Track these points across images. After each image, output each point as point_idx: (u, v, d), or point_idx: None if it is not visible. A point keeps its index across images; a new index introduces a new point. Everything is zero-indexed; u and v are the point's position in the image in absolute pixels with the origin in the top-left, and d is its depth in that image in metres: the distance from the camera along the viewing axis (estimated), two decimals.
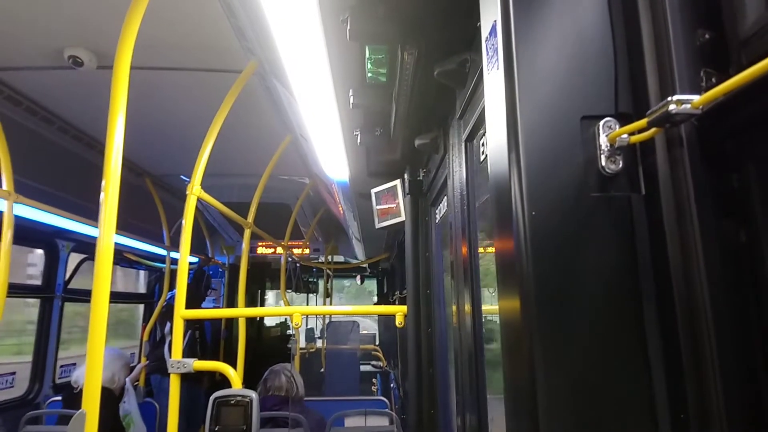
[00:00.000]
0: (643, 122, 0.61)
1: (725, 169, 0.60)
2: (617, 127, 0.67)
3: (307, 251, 6.89)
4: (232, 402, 2.15)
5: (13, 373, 4.24)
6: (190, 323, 5.76)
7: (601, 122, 0.68)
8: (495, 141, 0.75)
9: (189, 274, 5.79)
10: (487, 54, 0.79)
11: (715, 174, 0.60)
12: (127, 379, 4.37)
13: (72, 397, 3.72)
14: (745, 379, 0.56)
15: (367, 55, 1.64)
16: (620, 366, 0.63)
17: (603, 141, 0.67)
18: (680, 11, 0.65)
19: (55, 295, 4.49)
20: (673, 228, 0.61)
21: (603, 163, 0.67)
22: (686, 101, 0.55)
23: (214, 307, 6.90)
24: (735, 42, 0.60)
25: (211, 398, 2.18)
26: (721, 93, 0.53)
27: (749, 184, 0.58)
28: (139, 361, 5.33)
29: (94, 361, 1.62)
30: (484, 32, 0.81)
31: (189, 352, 5.68)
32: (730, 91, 0.52)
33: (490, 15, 0.78)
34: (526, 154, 0.66)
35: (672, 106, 0.55)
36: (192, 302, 4.63)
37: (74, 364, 4.80)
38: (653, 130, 0.61)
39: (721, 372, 0.55)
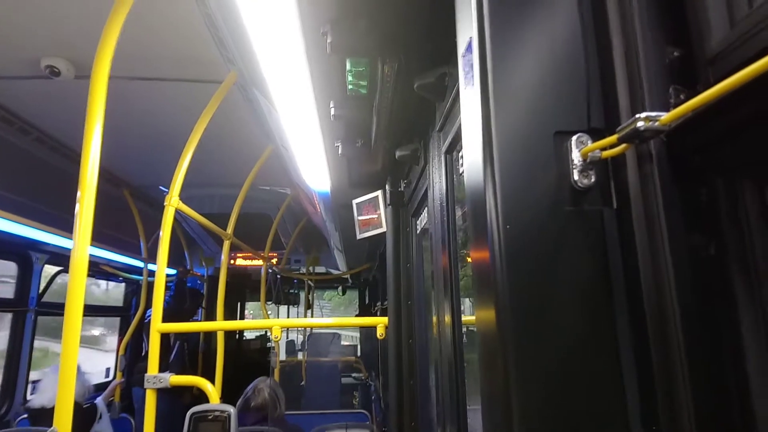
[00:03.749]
0: (613, 138, 0.62)
1: (694, 183, 0.61)
2: (589, 142, 0.69)
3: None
4: (210, 417, 2.11)
5: None
6: (178, 335, 5.68)
7: (574, 138, 0.69)
8: (471, 155, 0.76)
9: (169, 287, 5.74)
10: (464, 70, 0.80)
11: (684, 188, 0.62)
12: (99, 398, 4.27)
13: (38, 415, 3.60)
14: (716, 391, 0.57)
15: (348, 67, 1.64)
16: (594, 378, 0.64)
17: (576, 156, 0.68)
18: (650, 29, 0.66)
19: (28, 309, 4.38)
20: (644, 241, 0.62)
21: (576, 178, 0.68)
22: (654, 118, 0.56)
23: (193, 320, 6.80)
24: (702, 60, 0.62)
25: (188, 414, 2.14)
26: (689, 109, 0.55)
27: (717, 198, 0.59)
28: (114, 377, 5.22)
29: (66, 378, 1.59)
30: (461, 48, 0.82)
31: (178, 364, 5.60)
32: (697, 107, 0.54)
33: (465, 31, 0.79)
34: (500, 168, 0.67)
35: (640, 123, 0.56)
36: (176, 319, 4.55)
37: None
38: (623, 145, 0.62)
39: (692, 384, 0.56)
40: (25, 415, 3.85)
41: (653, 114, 0.57)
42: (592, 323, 0.65)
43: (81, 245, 1.64)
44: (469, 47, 0.77)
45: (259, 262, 6.87)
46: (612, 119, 0.69)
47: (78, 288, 1.63)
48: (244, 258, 7.02)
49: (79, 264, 1.64)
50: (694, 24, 0.63)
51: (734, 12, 0.57)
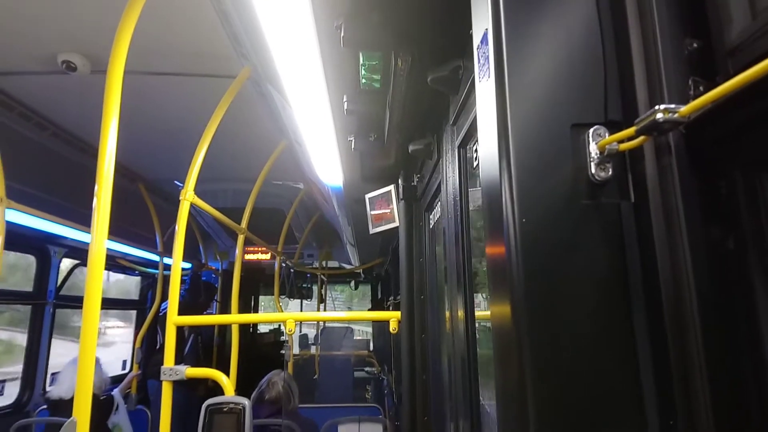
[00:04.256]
0: (631, 130, 0.61)
1: (713, 176, 0.61)
2: (606, 135, 0.68)
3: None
4: (225, 409, 2.14)
5: (3, 381, 4.19)
6: (192, 328, 5.75)
7: (591, 130, 0.68)
8: (486, 148, 0.75)
9: (185, 280, 5.80)
10: (479, 62, 0.80)
11: (702, 181, 0.61)
12: (116, 390, 4.33)
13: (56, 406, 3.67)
14: (733, 386, 0.56)
15: (361, 61, 1.64)
16: (610, 372, 0.64)
17: (593, 148, 0.68)
18: (668, 20, 0.65)
19: (46, 302, 4.45)
20: (662, 235, 0.62)
21: (593, 171, 0.67)
22: (673, 110, 0.56)
23: (208, 313, 6.87)
24: (722, 51, 0.61)
25: (204, 405, 2.16)
26: (709, 101, 0.54)
27: (736, 191, 0.58)
28: (130, 369, 5.29)
29: (85, 369, 1.61)
30: (476, 40, 0.82)
31: (192, 356, 5.68)
32: (717, 99, 0.53)
33: (481, 23, 0.79)
34: (516, 161, 0.67)
35: (659, 115, 0.56)
36: (190, 312, 4.61)
37: None
38: (642, 138, 0.61)
39: (709, 378, 0.56)
40: (45, 406, 3.93)
41: (672, 106, 0.56)
42: (609, 317, 0.64)
43: (98, 239, 1.66)
44: (484, 39, 0.76)
45: (267, 257, 6.93)
46: (629, 111, 0.68)
47: (96, 281, 1.65)
48: (260, 252, 7.05)
49: (97, 257, 1.66)
50: (713, 15, 0.62)
51: (756, 3, 0.56)
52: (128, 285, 6.54)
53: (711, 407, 0.56)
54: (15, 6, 2.14)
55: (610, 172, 0.68)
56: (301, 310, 10.06)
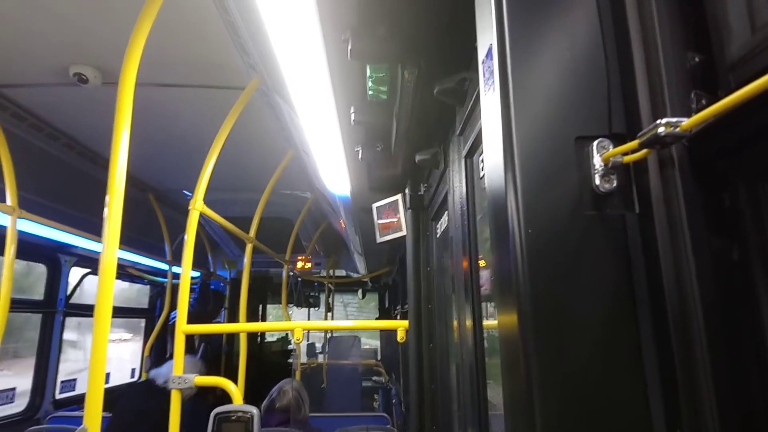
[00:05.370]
0: (635, 143, 0.62)
1: (716, 188, 0.61)
2: (611, 147, 0.69)
3: (308, 265, 6.79)
4: (233, 418, 2.14)
5: (13, 389, 4.22)
6: (202, 337, 5.75)
7: (595, 142, 0.69)
8: (492, 161, 0.76)
9: (194, 288, 5.82)
10: (484, 76, 0.81)
11: (706, 193, 0.62)
12: None
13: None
14: (739, 395, 0.57)
15: (368, 73, 1.66)
16: (617, 383, 0.64)
17: (597, 161, 0.69)
18: (671, 35, 0.66)
19: (56, 311, 4.49)
20: (667, 246, 0.62)
21: (597, 182, 0.68)
22: (675, 124, 0.57)
23: (216, 322, 6.88)
24: (723, 65, 0.62)
25: (212, 414, 2.17)
26: (711, 115, 0.55)
27: (739, 203, 0.59)
28: (139, 377, 5.31)
29: (96, 376, 1.63)
30: (481, 54, 0.83)
31: (203, 365, 5.69)
32: (719, 112, 0.54)
33: (485, 38, 0.80)
34: (522, 173, 0.68)
35: (661, 129, 0.57)
36: (199, 321, 4.62)
37: (75, 379, 4.78)
38: (645, 150, 0.62)
39: (715, 387, 0.56)
40: (57, 414, 3.95)
41: (674, 120, 0.57)
42: (615, 328, 0.65)
43: (110, 248, 1.69)
44: (489, 54, 0.78)
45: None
46: (633, 124, 0.69)
47: (107, 289, 1.67)
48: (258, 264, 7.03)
49: (108, 266, 1.68)
50: (714, 30, 0.63)
51: (755, 18, 0.57)
52: (137, 294, 6.58)
53: (717, 417, 0.56)
54: (28, 19, 2.18)
55: (615, 184, 0.69)
56: (309, 319, 10.05)
